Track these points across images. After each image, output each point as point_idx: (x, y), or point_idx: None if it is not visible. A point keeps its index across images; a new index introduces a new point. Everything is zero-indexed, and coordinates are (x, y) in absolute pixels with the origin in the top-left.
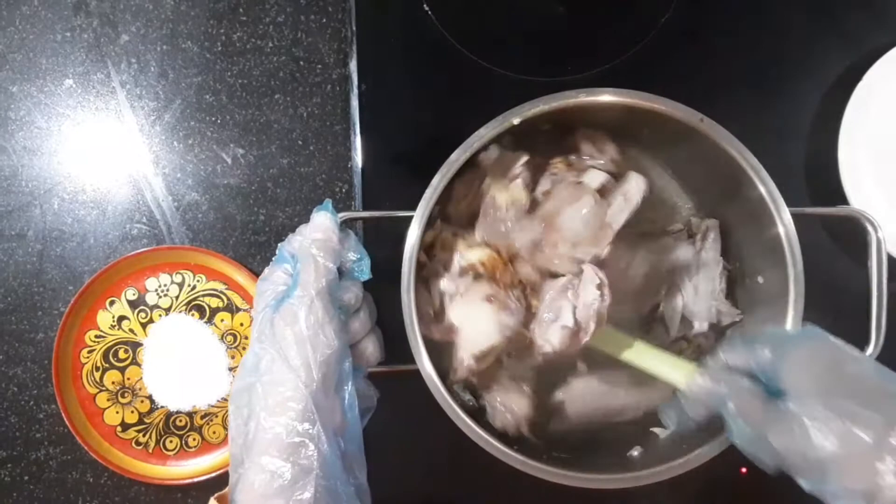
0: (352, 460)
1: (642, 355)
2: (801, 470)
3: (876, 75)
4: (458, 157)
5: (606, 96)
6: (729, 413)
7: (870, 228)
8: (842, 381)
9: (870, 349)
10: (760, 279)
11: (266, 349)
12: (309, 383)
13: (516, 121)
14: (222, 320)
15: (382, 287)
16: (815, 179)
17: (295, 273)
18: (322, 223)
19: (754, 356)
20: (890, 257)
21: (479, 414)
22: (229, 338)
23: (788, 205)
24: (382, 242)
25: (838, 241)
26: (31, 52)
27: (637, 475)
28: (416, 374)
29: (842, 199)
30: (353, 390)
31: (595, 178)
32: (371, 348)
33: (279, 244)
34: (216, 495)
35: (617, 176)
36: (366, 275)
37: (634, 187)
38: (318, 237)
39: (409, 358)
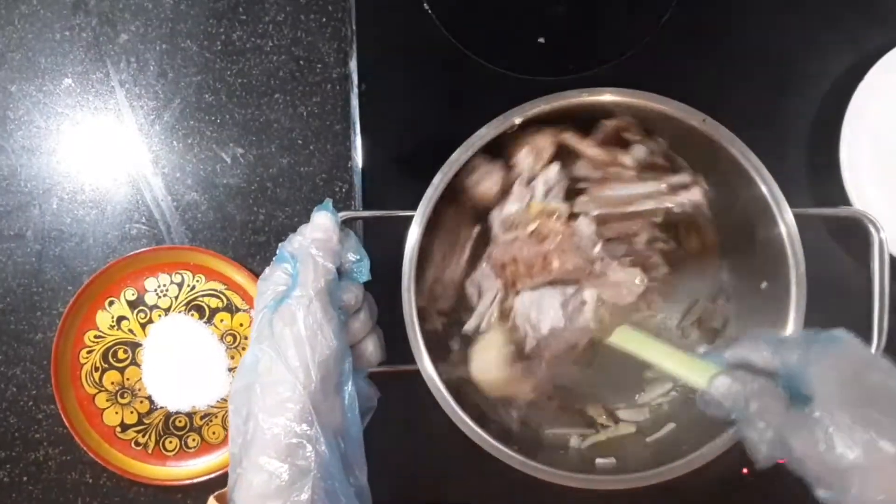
0: (352, 461)
1: (662, 355)
2: (821, 477)
3: (877, 75)
4: (459, 157)
5: (609, 96)
6: (750, 414)
7: (872, 229)
8: (867, 389)
9: (871, 350)
10: (763, 282)
11: (265, 350)
12: (307, 384)
13: (518, 120)
14: (222, 320)
15: (382, 287)
16: (817, 180)
17: (294, 273)
18: (322, 223)
19: (781, 357)
20: (892, 258)
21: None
22: (229, 338)
23: (790, 205)
24: (382, 242)
25: (840, 241)
26: (29, 52)
27: (637, 475)
28: (416, 374)
29: (844, 199)
30: (354, 391)
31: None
32: (371, 349)
33: (280, 244)
34: (215, 494)
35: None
36: (365, 276)
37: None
38: (318, 237)
39: (409, 358)
